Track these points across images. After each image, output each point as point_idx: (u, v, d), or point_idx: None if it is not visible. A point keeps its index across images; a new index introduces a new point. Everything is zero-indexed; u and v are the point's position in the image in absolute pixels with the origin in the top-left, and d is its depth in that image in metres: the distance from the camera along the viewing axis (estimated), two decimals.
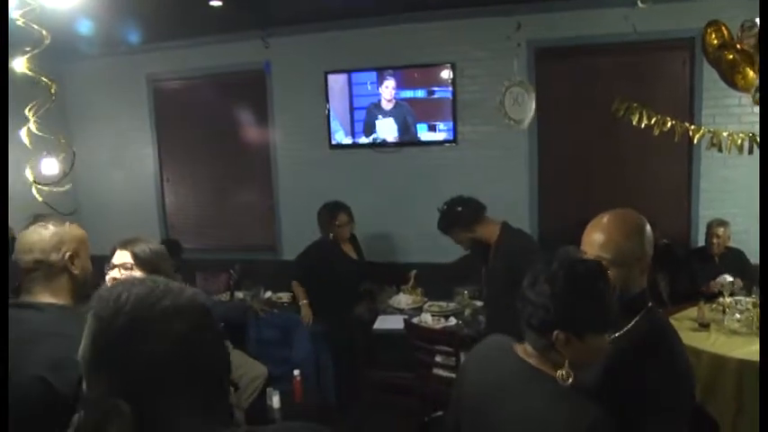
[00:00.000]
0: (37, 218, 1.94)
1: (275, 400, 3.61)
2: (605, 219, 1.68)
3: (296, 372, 3.69)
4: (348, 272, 4.68)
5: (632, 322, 1.60)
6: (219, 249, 6.25)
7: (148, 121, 6.36)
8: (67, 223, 1.89)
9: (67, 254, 1.78)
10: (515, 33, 4.91)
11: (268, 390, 3.70)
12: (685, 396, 1.56)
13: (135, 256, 2.15)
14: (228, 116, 6.11)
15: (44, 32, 1.72)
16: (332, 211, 4.64)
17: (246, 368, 4.15)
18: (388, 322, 4.56)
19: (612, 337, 1.53)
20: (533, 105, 4.37)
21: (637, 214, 1.71)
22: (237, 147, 6.15)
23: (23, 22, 1.75)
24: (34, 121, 1.83)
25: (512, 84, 4.41)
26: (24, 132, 1.79)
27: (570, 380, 1.42)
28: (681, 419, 1.52)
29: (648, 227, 1.68)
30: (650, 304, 1.65)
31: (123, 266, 2.14)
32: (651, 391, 1.49)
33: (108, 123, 6.38)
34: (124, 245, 2.19)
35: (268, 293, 5.25)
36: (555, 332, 1.40)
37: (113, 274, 2.14)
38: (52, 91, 1.82)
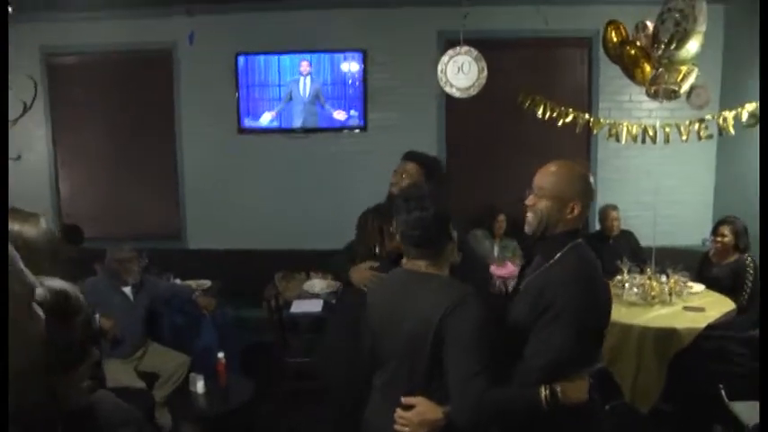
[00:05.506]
0: None
1: (199, 386, 3.49)
2: (557, 162, 1.97)
3: (220, 354, 3.58)
4: None
5: (559, 253, 1.85)
6: (119, 238, 5.93)
7: (41, 99, 5.90)
8: None
9: None
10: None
11: (191, 375, 3.58)
12: (588, 313, 1.80)
13: None
14: (132, 96, 5.81)
15: None
16: None
17: (167, 358, 4.01)
18: (306, 306, 4.57)
19: (544, 265, 1.86)
20: (481, 73, 4.50)
21: (582, 168, 2.01)
22: (141, 129, 5.86)
23: None
24: None
25: (457, 53, 4.50)
26: None
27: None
28: (580, 332, 1.76)
29: (589, 180, 1.95)
30: (579, 241, 1.89)
31: None
32: (562, 307, 1.75)
33: None
34: None
35: (177, 281, 5.08)
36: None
37: None
38: None
